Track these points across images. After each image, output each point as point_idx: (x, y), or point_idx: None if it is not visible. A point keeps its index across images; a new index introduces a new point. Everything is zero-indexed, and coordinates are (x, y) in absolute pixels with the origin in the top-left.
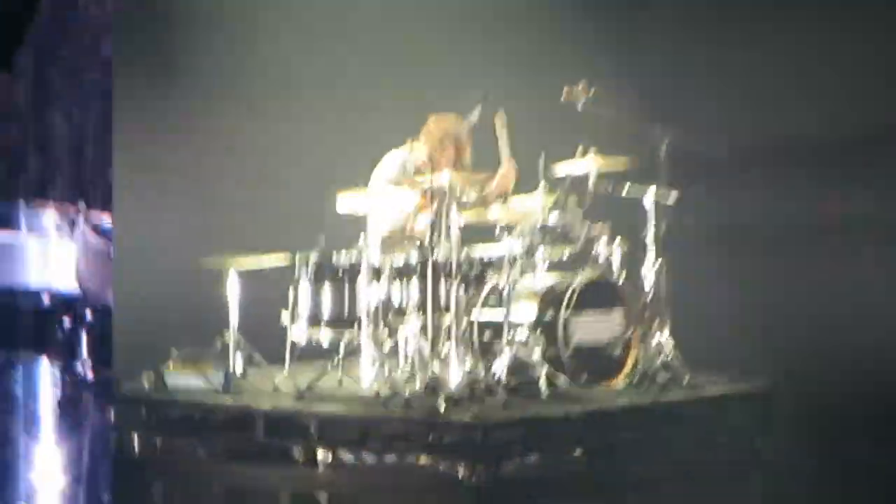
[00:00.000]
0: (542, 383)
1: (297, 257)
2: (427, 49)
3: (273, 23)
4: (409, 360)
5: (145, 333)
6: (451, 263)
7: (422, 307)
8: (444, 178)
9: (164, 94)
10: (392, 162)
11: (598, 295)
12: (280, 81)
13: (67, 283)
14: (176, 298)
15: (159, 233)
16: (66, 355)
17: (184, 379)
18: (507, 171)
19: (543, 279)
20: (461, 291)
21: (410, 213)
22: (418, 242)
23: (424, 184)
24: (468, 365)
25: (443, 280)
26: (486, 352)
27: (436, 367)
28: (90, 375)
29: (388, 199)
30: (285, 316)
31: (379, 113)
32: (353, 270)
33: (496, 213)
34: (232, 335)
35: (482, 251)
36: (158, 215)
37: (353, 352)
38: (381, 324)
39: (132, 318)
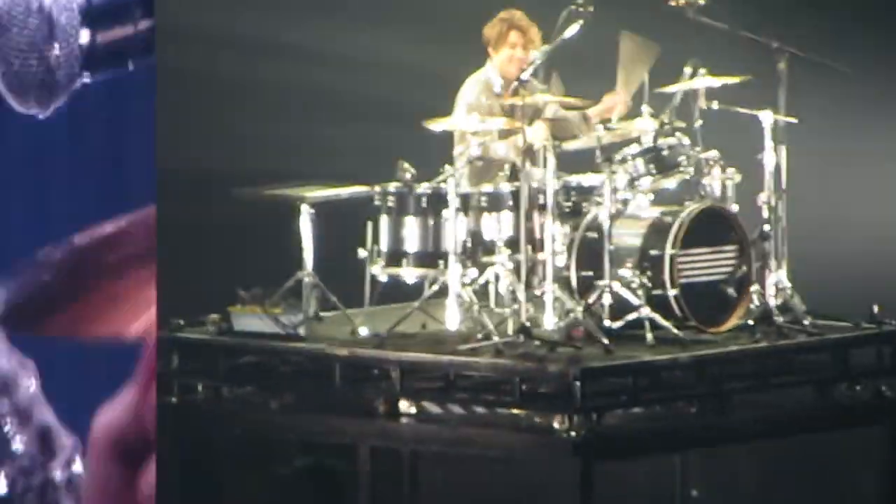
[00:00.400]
0: (647, 326)
1: (376, 188)
2: None
3: None
4: (501, 301)
5: (213, 271)
6: (545, 193)
7: (514, 242)
8: (536, 97)
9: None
10: (473, 84)
11: (709, 228)
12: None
13: None
14: (244, 233)
15: (222, 161)
16: None
17: (253, 322)
18: (615, 97)
19: (648, 211)
20: (557, 224)
21: (498, 137)
22: (508, 170)
23: (512, 104)
24: (565, 306)
25: (537, 212)
26: (585, 291)
27: (530, 308)
28: None
29: (472, 122)
30: (363, 253)
31: (459, 36)
32: (438, 202)
33: (595, 139)
34: (306, 274)
35: (580, 180)
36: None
37: (439, 292)
38: (470, 261)
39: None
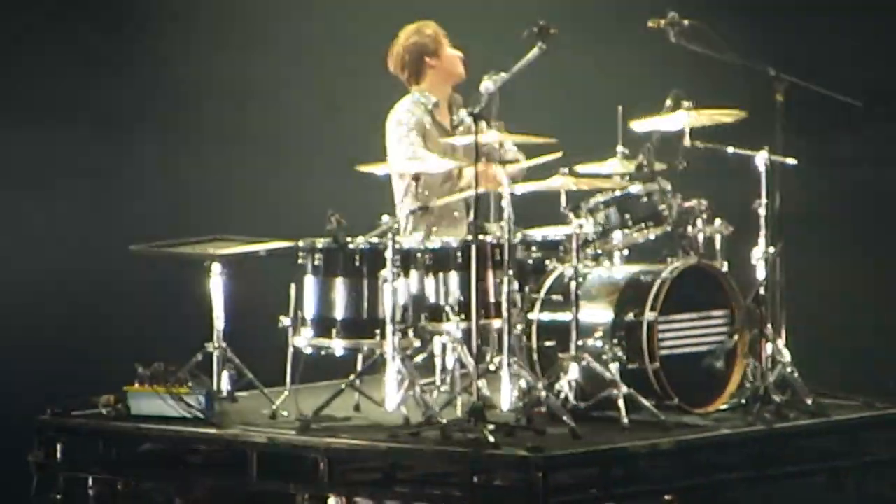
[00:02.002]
0: (622, 406)
1: (301, 243)
2: None
3: None
4: (448, 377)
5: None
6: (501, 248)
7: (465, 307)
8: (490, 133)
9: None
10: (409, 105)
11: (695, 290)
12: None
13: None
14: (144, 298)
15: (121, 214)
16: None
17: (154, 403)
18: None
19: (622, 270)
20: (515, 285)
21: (445, 179)
22: (455, 219)
23: (460, 139)
24: (524, 382)
25: (491, 271)
26: (548, 365)
27: (483, 385)
28: None
29: (416, 165)
30: (285, 321)
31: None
32: (374, 260)
33: (561, 184)
34: (216, 346)
35: (542, 233)
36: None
37: (375, 367)
38: (411, 330)
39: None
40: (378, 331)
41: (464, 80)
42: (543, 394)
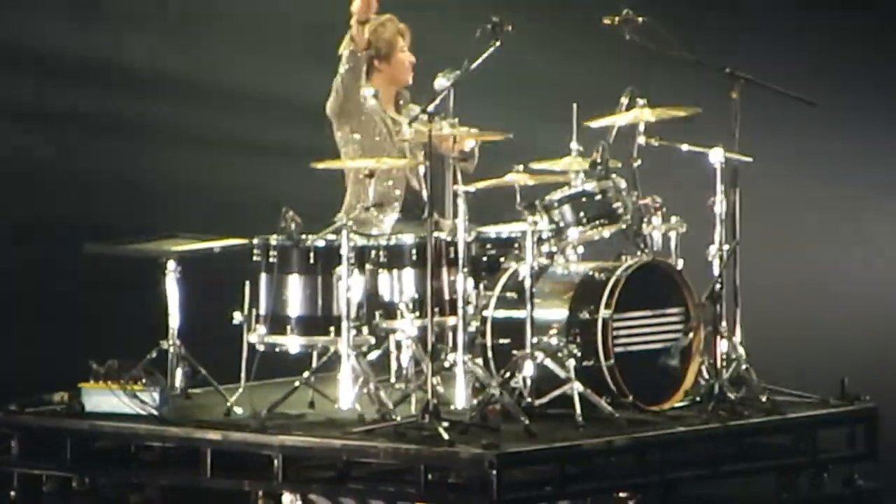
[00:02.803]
0: (577, 404)
1: (255, 240)
2: None
3: None
4: (402, 374)
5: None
6: (456, 246)
7: (419, 304)
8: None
9: None
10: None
11: (650, 288)
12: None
13: None
14: (98, 294)
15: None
16: None
17: (108, 400)
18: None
19: (577, 267)
20: (470, 283)
21: (397, 172)
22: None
23: (407, 132)
24: (479, 380)
25: (446, 268)
26: (503, 363)
27: (437, 382)
28: None
29: (370, 162)
30: (239, 318)
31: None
32: (329, 257)
33: (515, 181)
34: (171, 343)
35: (497, 230)
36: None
37: (329, 364)
38: (366, 327)
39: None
40: (333, 328)
41: (410, 85)
42: (498, 391)
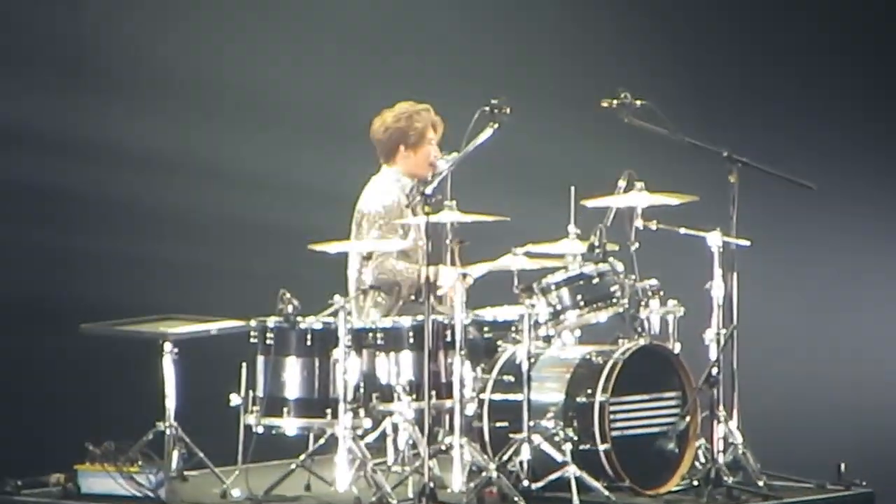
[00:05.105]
0: (573, 487)
1: (252, 322)
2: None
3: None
4: (399, 457)
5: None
6: (453, 329)
7: (416, 387)
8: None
9: None
10: (388, 185)
11: (647, 372)
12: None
13: None
14: (95, 376)
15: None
16: None
17: (104, 482)
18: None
19: (574, 350)
20: (467, 366)
21: (398, 257)
22: (412, 299)
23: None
24: (476, 463)
25: (443, 351)
26: (500, 446)
27: (434, 466)
28: None
29: (368, 244)
30: (237, 400)
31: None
32: (326, 339)
33: (512, 264)
34: (168, 425)
35: (494, 313)
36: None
37: (326, 446)
38: (363, 410)
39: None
40: (330, 410)
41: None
42: (495, 474)
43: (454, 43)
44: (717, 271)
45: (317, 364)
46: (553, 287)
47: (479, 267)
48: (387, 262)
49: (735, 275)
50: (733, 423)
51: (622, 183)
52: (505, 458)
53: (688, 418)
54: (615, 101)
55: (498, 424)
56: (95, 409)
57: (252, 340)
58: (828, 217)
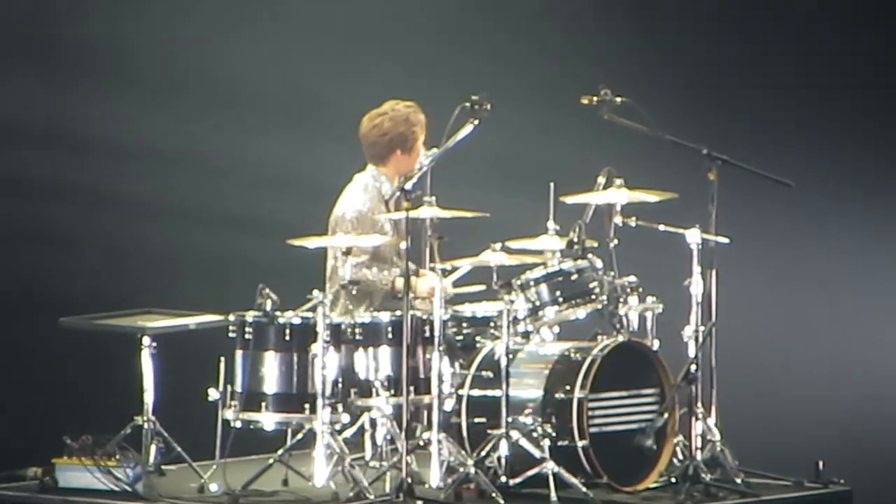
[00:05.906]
0: (551, 484)
1: (231, 317)
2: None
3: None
4: (377, 452)
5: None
6: (431, 324)
7: (395, 382)
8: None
9: None
10: (362, 191)
11: (625, 368)
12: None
13: None
14: (73, 369)
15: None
16: None
17: (82, 476)
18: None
19: (553, 347)
20: (446, 361)
21: (377, 254)
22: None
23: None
24: (454, 459)
25: (421, 346)
26: (478, 442)
27: (412, 461)
28: None
29: (347, 240)
30: (215, 394)
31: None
32: (305, 334)
33: (491, 259)
34: (145, 419)
35: (472, 309)
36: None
37: (304, 441)
38: (341, 405)
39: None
40: (308, 405)
41: None
42: (473, 470)
43: (434, 39)
44: (696, 268)
45: (295, 359)
46: (532, 283)
47: (458, 269)
48: (360, 271)
49: (714, 272)
50: (711, 420)
51: (601, 179)
52: (483, 454)
53: (666, 415)
54: (595, 98)
55: (476, 420)
56: (73, 402)
57: (230, 335)
58: (806, 214)
